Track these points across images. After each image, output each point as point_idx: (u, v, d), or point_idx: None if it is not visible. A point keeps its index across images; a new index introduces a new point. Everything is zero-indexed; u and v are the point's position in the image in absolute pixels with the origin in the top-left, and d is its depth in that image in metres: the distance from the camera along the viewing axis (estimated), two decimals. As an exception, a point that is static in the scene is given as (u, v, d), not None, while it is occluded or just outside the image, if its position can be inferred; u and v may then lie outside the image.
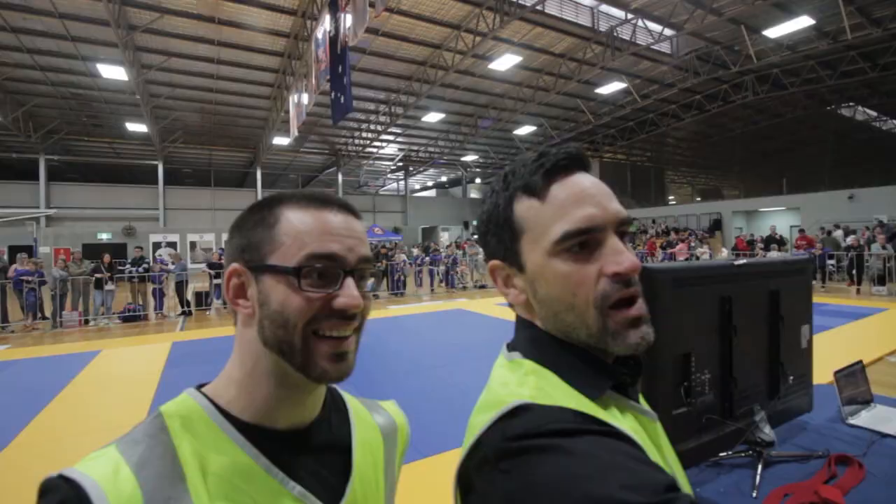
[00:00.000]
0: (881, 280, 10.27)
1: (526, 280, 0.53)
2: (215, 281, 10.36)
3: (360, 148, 22.24)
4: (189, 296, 10.25)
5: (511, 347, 0.55)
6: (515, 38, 12.67)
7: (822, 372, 2.01)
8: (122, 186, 21.41)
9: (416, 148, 24.09)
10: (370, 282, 0.53)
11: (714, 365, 1.53)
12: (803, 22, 11.36)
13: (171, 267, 10.27)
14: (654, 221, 21.25)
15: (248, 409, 0.48)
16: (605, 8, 12.08)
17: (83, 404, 4.29)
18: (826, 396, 1.93)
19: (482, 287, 13.47)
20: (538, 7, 10.55)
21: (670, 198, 32.26)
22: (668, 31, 12.45)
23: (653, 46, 13.05)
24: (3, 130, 16.31)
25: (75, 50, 11.85)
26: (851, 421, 1.82)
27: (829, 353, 4.39)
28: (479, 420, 0.46)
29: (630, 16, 12.03)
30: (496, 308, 9.52)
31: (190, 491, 0.41)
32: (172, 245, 20.18)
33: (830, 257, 11.55)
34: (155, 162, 21.10)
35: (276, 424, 0.49)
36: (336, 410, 0.57)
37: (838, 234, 12.66)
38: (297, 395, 0.50)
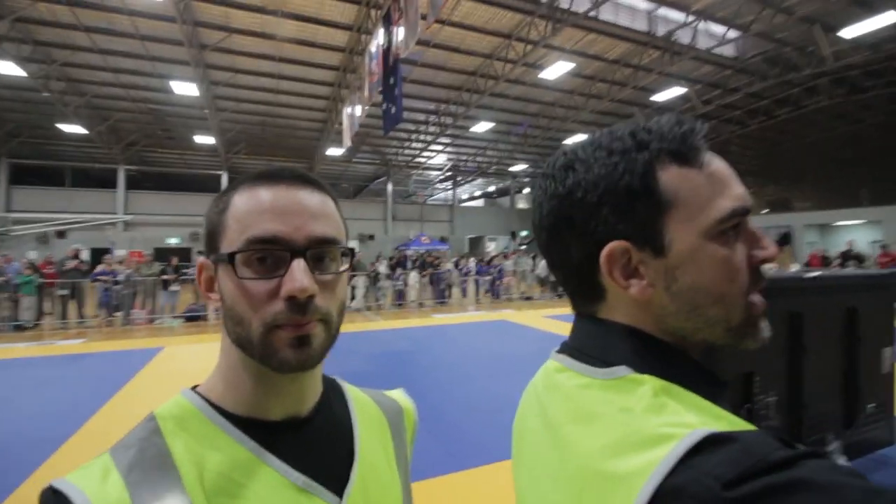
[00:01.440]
0: None
1: (664, 266, 0.43)
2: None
3: (410, 158, 22.70)
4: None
5: (600, 358, 0.44)
6: (567, 45, 12.48)
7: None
8: (190, 195, 23.02)
9: (464, 158, 24.25)
10: (342, 268, 0.47)
11: (781, 387, 1.40)
12: (888, 19, 10.39)
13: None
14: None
15: (239, 403, 0.46)
16: (663, 11, 11.64)
17: (144, 396, 4.60)
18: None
19: (528, 299, 13.24)
20: (591, 13, 10.34)
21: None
22: (732, 34, 11.81)
23: (715, 50, 12.42)
24: (88, 143, 18.05)
25: (153, 68, 12.94)
26: (948, 460, 1.60)
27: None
28: (636, 466, 0.34)
29: (690, 18, 11.53)
30: (543, 320, 9.30)
31: (186, 490, 0.40)
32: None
33: (922, 276, 10.40)
34: (220, 172, 22.55)
35: (270, 416, 0.47)
36: (336, 399, 0.55)
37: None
38: (277, 386, 0.47)
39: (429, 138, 19.66)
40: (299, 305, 0.43)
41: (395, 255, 15.31)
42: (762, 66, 14.02)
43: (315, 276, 0.44)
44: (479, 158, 24.28)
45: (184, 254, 19.26)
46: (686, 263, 0.42)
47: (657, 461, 0.33)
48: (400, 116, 9.43)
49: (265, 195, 0.45)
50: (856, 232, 17.26)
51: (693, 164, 0.43)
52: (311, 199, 0.47)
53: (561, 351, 0.50)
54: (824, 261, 13.14)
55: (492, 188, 35.63)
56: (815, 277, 1.60)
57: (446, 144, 21.43)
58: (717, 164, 0.44)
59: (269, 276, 0.43)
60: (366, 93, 10.95)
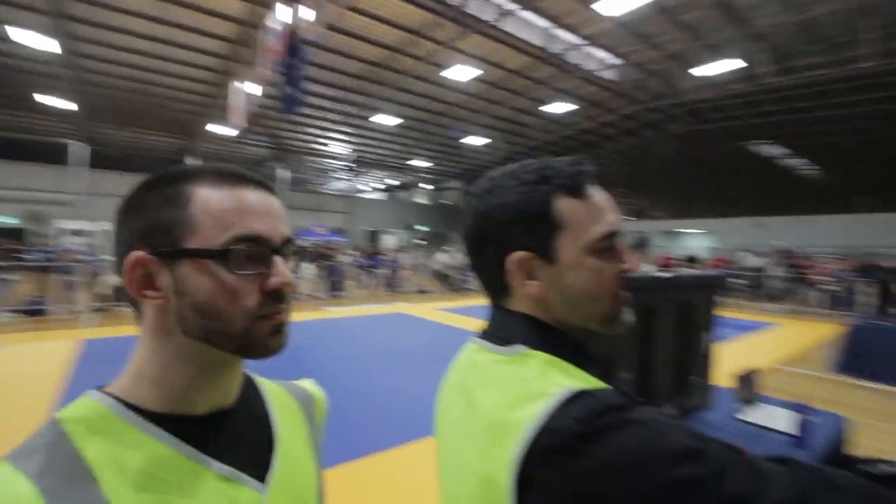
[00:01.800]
0: (776, 298, 11.54)
1: (555, 272, 0.57)
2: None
3: (307, 144, 21.68)
4: (104, 289, 9.44)
5: (503, 340, 0.57)
6: (473, 50, 12.97)
7: (723, 376, 2.27)
8: (28, 165, 19.24)
9: (365, 149, 23.86)
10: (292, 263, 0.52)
11: (634, 368, 1.71)
12: (730, 65, 12.57)
13: (87, 256, 9.44)
14: (590, 237, 22.45)
15: (163, 400, 0.46)
16: (558, 32, 12.69)
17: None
18: (724, 397, 2.19)
19: (424, 292, 13.55)
20: (495, 23, 10.89)
21: (606, 216, 34.13)
22: (613, 60, 13.31)
23: (599, 73, 13.88)
24: None
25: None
26: (743, 417, 2.07)
27: (730, 360, 4.89)
28: (525, 414, 0.46)
29: (580, 41, 12.74)
30: (437, 313, 9.62)
31: (104, 491, 0.39)
32: (84, 234, 18.45)
33: (739, 277, 12.80)
34: (70, 141, 19.24)
35: (196, 410, 0.47)
36: (252, 391, 0.56)
37: (750, 259, 14.06)
38: (218, 379, 0.48)
39: (329, 125, 18.99)
40: (282, 297, 0.47)
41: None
42: (634, 93, 16.03)
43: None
44: (380, 151, 24.08)
45: (19, 235, 16.14)
46: (570, 271, 0.56)
47: (540, 410, 0.46)
48: (301, 100, 9.03)
49: (246, 196, 0.46)
50: (697, 239, 20.61)
51: (579, 197, 0.57)
52: (276, 202, 0.49)
53: (479, 336, 0.63)
54: (671, 262, 15.52)
55: (393, 182, 35.58)
56: (664, 278, 1.95)
57: (348, 134, 20.88)
58: (598, 196, 0.58)
59: (255, 272, 0.45)
60: (263, 71, 10.25)
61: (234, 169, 0.48)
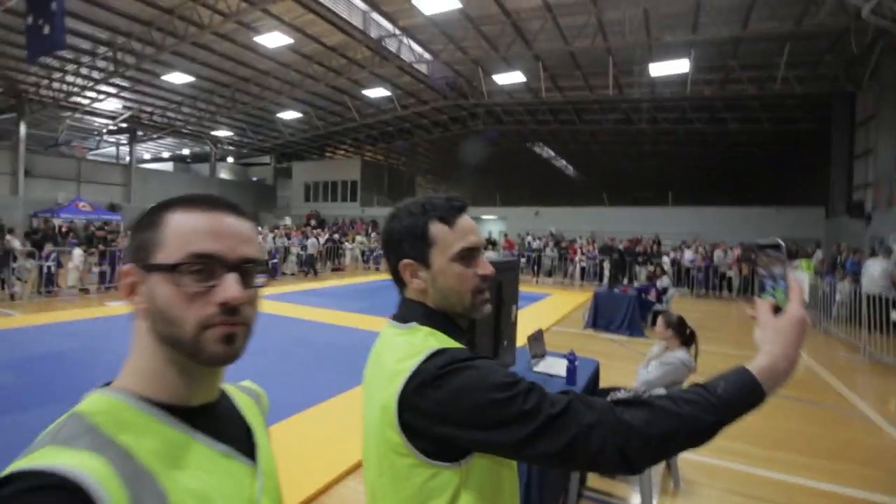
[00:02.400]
0: (549, 273, 14.39)
1: (429, 274, 0.82)
2: None
3: (62, 95, 16.95)
4: None
5: (403, 320, 0.83)
6: (286, 16, 12.10)
7: (521, 338, 2.93)
8: None
9: (149, 109, 19.92)
10: (260, 279, 0.58)
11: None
12: (518, 77, 14.78)
13: None
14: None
15: (164, 393, 0.53)
16: (376, 17, 12.83)
17: None
18: (522, 353, 2.83)
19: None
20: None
21: (418, 200, 36.27)
22: (426, 55, 14.17)
23: (414, 64, 14.60)
24: None
25: None
26: (535, 369, 2.73)
27: (522, 326, 6.07)
28: (407, 365, 0.72)
29: (397, 31, 13.16)
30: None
31: (145, 464, 0.46)
32: None
33: (522, 256, 15.44)
34: None
35: (191, 403, 0.54)
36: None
37: (528, 239, 17.03)
38: (199, 378, 0.55)
39: (96, 75, 15.25)
40: (230, 310, 0.52)
41: (40, 224, 11.24)
42: (444, 88, 17.42)
43: (243, 289, 0.53)
44: (170, 114, 20.45)
45: None
46: (440, 274, 0.81)
47: (416, 361, 0.71)
48: (59, 41, 7.17)
49: (203, 220, 0.53)
50: (494, 224, 23.81)
51: (448, 224, 0.83)
52: (242, 225, 0.56)
53: (391, 318, 0.88)
54: (475, 245, 17.66)
55: (186, 151, 30.62)
56: (504, 262, 2.39)
57: (123, 88, 17.09)
58: (462, 223, 0.83)
59: (205, 285, 0.51)
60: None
61: (205, 196, 0.56)
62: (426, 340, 0.76)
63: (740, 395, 0.64)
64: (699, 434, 0.63)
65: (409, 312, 0.83)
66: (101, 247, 9.86)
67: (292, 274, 14.07)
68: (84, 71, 15.13)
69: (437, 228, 0.81)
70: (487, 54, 13.42)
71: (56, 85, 16.33)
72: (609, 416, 0.64)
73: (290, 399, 3.86)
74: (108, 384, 0.54)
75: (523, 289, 12.64)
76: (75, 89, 16.47)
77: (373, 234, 19.51)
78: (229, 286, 0.52)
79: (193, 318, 0.51)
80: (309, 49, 14.13)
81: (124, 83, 16.44)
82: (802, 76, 13.32)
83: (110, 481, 0.41)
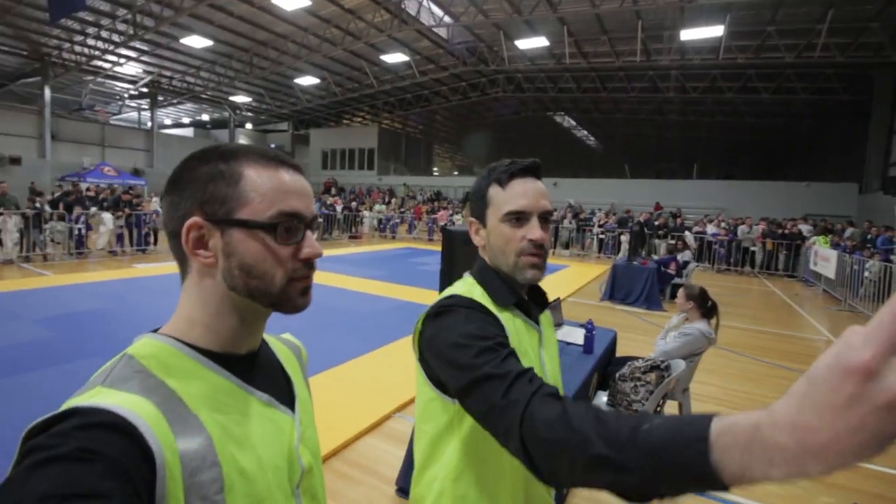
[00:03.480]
0: (567, 246, 14.28)
1: (485, 233, 0.89)
2: None
3: (84, 59, 17.02)
4: None
5: (469, 271, 0.93)
6: (303, -22, 11.82)
7: (541, 306, 2.91)
8: None
9: (168, 74, 19.92)
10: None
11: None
12: (541, 42, 14.27)
13: None
14: (421, 189, 23.55)
15: (214, 341, 0.54)
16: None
17: None
18: (542, 322, 2.83)
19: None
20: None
21: (434, 169, 36.04)
22: (447, 18, 13.74)
23: (433, 28, 14.19)
24: None
25: None
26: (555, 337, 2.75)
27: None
28: (434, 302, 0.83)
29: (416, -8, 12.75)
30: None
31: (193, 410, 0.48)
32: None
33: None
34: None
35: (239, 351, 0.57)
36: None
37: (548, 212, 16.82)
38: (253, 326, 0.58)
39: (116, 38, 15.22)
40: (312, 264, 0.57)
41: (69, 188, 11.55)
42: (464, 54, 16.94)
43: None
44: (189, 79, 20.44)
45: None
46: (492, 233, 0.87)
47: (437, 299, 0.83)
48: (81, 3, 7.11)
49: (287, 177, 0.55)
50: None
51: (502, 186, 0.86)
52: (307, 183, 0.59)
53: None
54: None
55: (205, 116, 30.72)
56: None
57: (143, 52, 17.07)
58: (516, 185, 0.85)
59: (293, 241, 0.55)
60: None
61: (276, 153, 0.57)
62: (462, 287, 0.86)
63: (663, 451, 0.42)
64: (589, 467, 0.47)
65: (473, 265, 0.92)
66: (126, 210, 10.10)
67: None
68: (104, 34, 15.12)
69: (493, 190, 0.87)
70: (510, 17, 12.94)
71: (78, 48, 16.39)
72: (533, 403, 0.56)
73: (310, 361, 4.01)
74: (155, 331, 0.55)
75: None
76: (96, 53, 16.51)
77: (391, 202, 19.52)
78: (313, 243, 0.56)
79: (283, 272, 0.54)
80: (327, 11, 13.83)
81: (144, 47, 16.40)
82: (844, 44, 12.56)
83: (158, 423, 0.43)
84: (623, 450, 0.45)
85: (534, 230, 0.83)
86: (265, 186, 0.53)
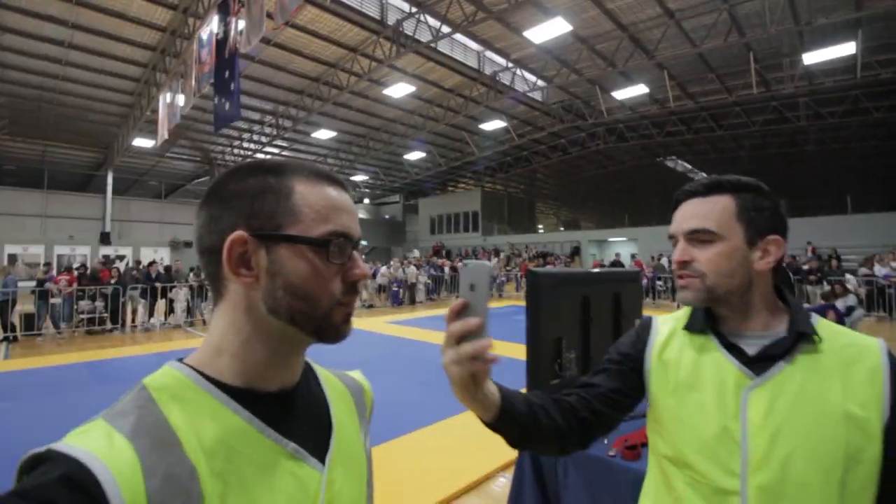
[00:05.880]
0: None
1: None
2: (51, 300, 8.85)
3: (240, 158, 20.88)
4: (14, 318, 8.53)
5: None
6: (409, 68, 13.35)
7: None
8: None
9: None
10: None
11: (578, 346, 2.03)
12: (641, 90, 13.98)
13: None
14: (527, 247, 23.48)
15: (241, 375, 0.48)
16: (489, 54, 13.43)
17: None
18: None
19: (370, 307, 13.50)
20: (431, 44, 11.34)
21: (539, 226, 35.85)
22: (540, 83, 14.27)
23: (528, 93, 14.80)
24: None
25: None
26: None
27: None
28: None
29: (510, 64, 13.56)
30: (386, 325, 9.68)
31: (188, 455, 0.42)
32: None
33: (659, 279, 14.05)
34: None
35: (268, 387, 0.50)
36: (310, 375, 0.59)
37: (664, 260, 15.50)
38: (289, 358, 0.52)
39: (264, 139, 18.47)
40: (356, 288, 0.52)
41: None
42: (560, 112, 17.23)
43: None
44: (319, 166, 23.70)
45: None
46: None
47: None
48: (236, 114, 8.82)
49: (337, 195, 0.52)
50: (621, 246, 22.31)
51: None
52: (352, 202, 0.55)
53: None
54: (602, 267, 16.72)
55: (330, 197, 34.91)
56: (597, 273, 2.30)
57: (283, 148, 20.41)
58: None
59: (341, 263, 0.50)
60: (192, 83, 9.89)
61: (325, 170, 0.54)
62: None
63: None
64: None
65: None
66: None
67: (420, 301, 14.86)
68: (255, 137, 18.47)
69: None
70: (604, 72, 12.99)
71: (236, 150, 20.20)
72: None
73: (413, 417, 4.04)
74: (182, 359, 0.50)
75: (659, 313, 11.50)
76: (249, 152, 20.14)
77: (494, 261, 19.71)
78: (361, 264, 0.52)
79: (330, 294, 0.49)
80: (429, 94, 15.30)
81: (284, 143, 19.62)
82: None
83: (131, 475, 0.38)
84: None
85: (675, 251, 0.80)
86: (317, 202, 0.50)
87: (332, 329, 0.50)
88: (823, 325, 0.72)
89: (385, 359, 6.52)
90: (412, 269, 14.81)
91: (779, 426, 0.66)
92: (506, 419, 0.69)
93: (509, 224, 28.19)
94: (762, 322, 0.74)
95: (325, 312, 0.49)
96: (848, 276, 10.42)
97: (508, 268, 18.73)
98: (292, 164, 0.53)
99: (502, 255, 21.47)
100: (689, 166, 25.60)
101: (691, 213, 0.77)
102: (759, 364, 0.70)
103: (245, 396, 0.48)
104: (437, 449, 3.43)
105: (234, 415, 0.46)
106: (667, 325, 0.83)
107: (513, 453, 3.24)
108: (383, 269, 14.84)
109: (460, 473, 3.01)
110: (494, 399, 0.67)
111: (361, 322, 10.39)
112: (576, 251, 23.14)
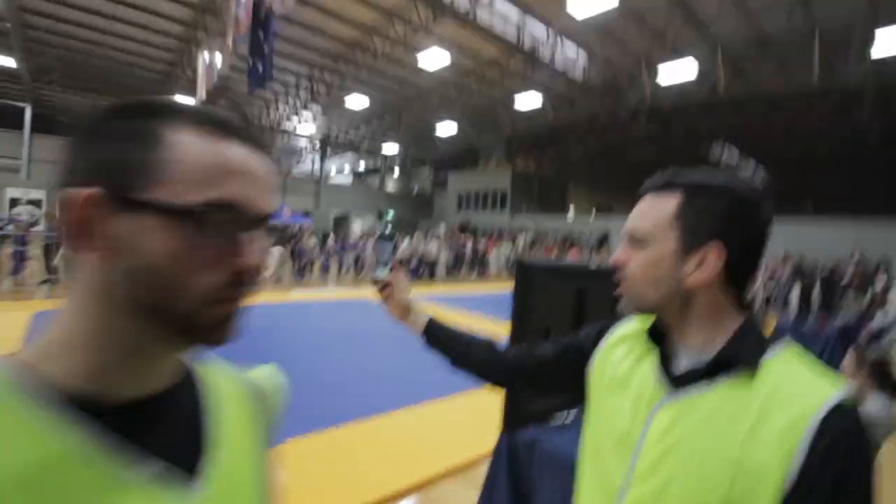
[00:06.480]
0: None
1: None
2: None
3: (275, 122, 21.09)
4: (58, 261, 9.03)
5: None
6: (446, 36, 12.97)
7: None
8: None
9: (335, 131, 23.46)
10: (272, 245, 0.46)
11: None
12: (689, 67, 13.12)
13: (39, 227, 8.96)
14: (555, 230, 23.01)
15: (87, 376, 0.37)
16: (529, 22, 12.85)
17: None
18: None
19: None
20: (469, 13, 10.95)
21: (570, 208, 35.02)
22: (582, 57, 13.63)
23: (568, 69, 14.19)
24: None
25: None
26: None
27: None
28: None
29: (551, 34, 12.96)
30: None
31: None
32: (36, 203, 17.45)
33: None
34: (20, 104, 18.00)
35: (121, 395, 0.38)
36: (194, 377, 0.46)
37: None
38: (151, 361, 0.40)
39: (298, 104, 18.56)
40: (244, 282, 0.39)
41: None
42: (601, 90, 16.48)
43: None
44: (349, 134, 23.74)
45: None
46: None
47: None
48: (269, 76, 8.84)
49: (238, 154, 0.38)
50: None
51: None
52: (269, 167, 0.41)
53: None
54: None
55: (360, 167, 35.09)
56: (595, 269, 2.17)
57: (317, 113, 20.49)
58: None
59: (224, 246, 0.37)
60: (229, 42, 9.92)
61: (223, 116, 0.39)
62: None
63: None
64: None
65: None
66: (291, 243, 11.93)
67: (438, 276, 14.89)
68: (290, 101, 18.58)
69: None
70: (651, 48, 12.27)
71: (270, 114, 20.40)
72: None
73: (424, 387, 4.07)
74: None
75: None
76: (283, 117, 20.31)
77: (519, 243, 19.48)
78: (255, 249, 0.38)
79: (202, 285, 0.36)
80: (465, 65, 14.88)
81: (318, 109, 19.67)
82: None
83: None
84: None
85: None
86: (198, 159, 0.36)
87: (198, 331, 0.38)
88: (780, 359, 0.60)
89: (390, 332, 6.57)
90: (433, 245, 14.78)
91: (670, 447, 0.62)
92: (432, 341, 0.97)
93: (539, 205, 27.65)
94: (703, 338, 0.65)
95: (192, 309, 0.37)
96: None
97: (532, 250, 18.45)
98: (179, 105, 0.39)
99: (522, 238, 21.14)
100: (735, 156, 24.22)
101: (638, 212, 0.70)
102: (683, 382, 0.64)
103: (90, 406, 0.36)
104: (429, 426, 3.44)
105: (60, 433, 0.34)
106: (626, 327, 0.79)
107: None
108: (405, 242, 14.88)
109: (446, 456, 3.01)
110: (422, 322, 0.98)
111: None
112: (604, 240, 22.48)
